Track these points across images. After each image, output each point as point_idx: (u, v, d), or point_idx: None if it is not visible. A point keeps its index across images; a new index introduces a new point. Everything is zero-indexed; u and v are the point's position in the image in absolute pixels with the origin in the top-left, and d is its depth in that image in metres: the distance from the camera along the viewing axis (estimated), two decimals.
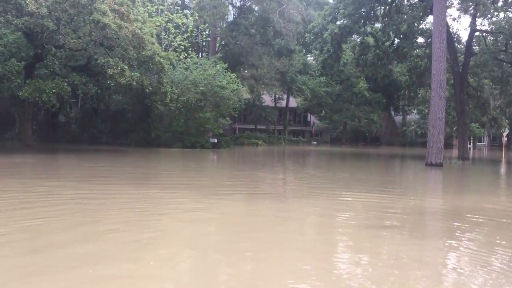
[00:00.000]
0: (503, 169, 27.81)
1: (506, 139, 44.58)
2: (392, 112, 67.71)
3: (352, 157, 34.47)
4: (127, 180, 15.20)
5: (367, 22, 33.94)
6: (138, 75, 26.07)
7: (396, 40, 35.42)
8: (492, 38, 32.49)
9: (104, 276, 5.22)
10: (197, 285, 5.02)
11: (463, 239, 7.82)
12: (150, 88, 28.55)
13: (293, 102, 63.48)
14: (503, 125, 34.00)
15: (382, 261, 6.31)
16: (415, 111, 59.34)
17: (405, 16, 32.92)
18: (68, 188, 12.44)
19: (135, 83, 25.94)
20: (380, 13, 33.97)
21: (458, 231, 8.44)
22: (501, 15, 30.57)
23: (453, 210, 11.09)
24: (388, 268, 5.94)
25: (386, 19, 33.13)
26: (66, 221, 8.14)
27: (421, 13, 32.14)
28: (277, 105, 61.52)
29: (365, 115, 60.38)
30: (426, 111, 38.49)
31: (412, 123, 60.44)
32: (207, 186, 14.10)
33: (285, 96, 62.13)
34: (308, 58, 59.12)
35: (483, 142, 70.81)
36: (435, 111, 23.79)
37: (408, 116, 66.69)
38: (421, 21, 33.99)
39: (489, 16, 31.20)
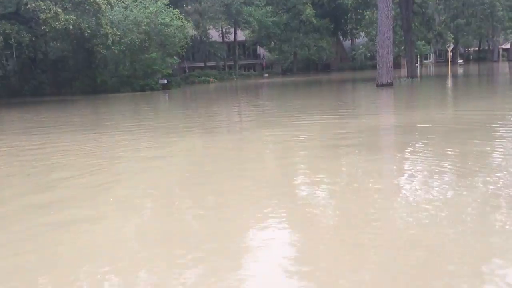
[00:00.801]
0: (449, 83, 28.68)
1: (451, 54, 45.59)
2: (341, 37, 67.62)
3: (304, 85, 34.50)
4: (77, 127, 14.59)
5: None
6: (74, 18, 24.48)
7: None
8: None
9: (63, 222, 4.97)
10: (161, 226, 4.86)
11: (417, 149, 8.00)
12: (89, 31, 27.01)
13: (241, 36, 62.05)
14: (448, 40, 34.65)
15: (341, 178, 6.35)
16: (363, 34, 59.50)
17: None
18: (15, 140, 11.80)
19: (71, 27, 24.43)
20: None
21: (411, 143, 8.63)
22: None
23: (406, 124, 11.33)
24: (348, 185, 5.99)
25: None
26: (16, 175, 7.72)
27: None
28: (225, 40, 59.98)
29: (314, 43, 59.97)
30: (374, 32, 38.52)
31: (361, 46, 60.67)
32: (162, 127, 13.73)
33: (232, 30, 60.54)
34: None
35: (429, 59, 72.43)
36: (383, 31, 23.80)
37: (356, 40, 66.80)
38: None
39: None
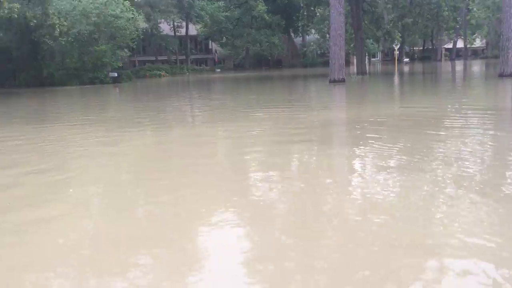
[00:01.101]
0: (397, 80, 29.67)
1: (397, 52, 47.09)
2: (292, 34, 68.33)
3: (257, 81, 34.66)
4: (26, 121, 13.99)
5: None
6: (19, 6, 23.38)
7: None
8: None
9: (19, 222, 4.77)
10: (112, 225, 4.70)
11: (367, 143, 8.23)
12: (35, 21, 25.90)
13: (193, 30, 61.47)
14: (397, 38, 35.80)
15: (294, 173, 6.45)
16: (313, 31, 60.43)
17: None
18: None
19: (16, 16, 23.29)
20: None
21: (363, 137, 8.88)
22: None
23: (357, 119, 11.62)
24: (301, 179, 6.06)
25: None
26: None
27: None
28: (177, 33, 59.17)
29: (266, 39, 60.28)
30: (326, 29, 39.20)
31: (312, 43, 61.56)
32: (114, 122, 13.37)
33: (184, 24, 59.84)
34: None
35: (377, 57, 74.51)
36: (335, 28, 24.28)
37: (307, 37, 67.72)
38: None
39: None
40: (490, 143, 7.87)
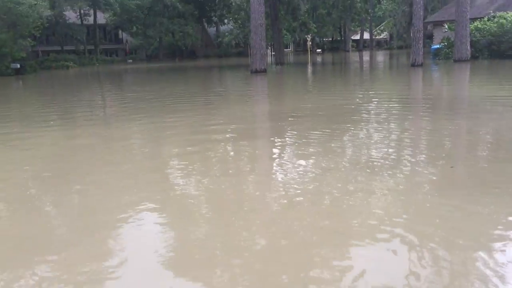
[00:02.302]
0: (314, 69, 30.34)
1: (310, 43, 48.29)
2: (205, 24, 67.44)
3: (172, 72, 33.54)
4: None
5: None
6: None
7: None
8: None
9: None
10: (20, 229, 4.15)
11: (288, 133, 8.15)
12: None
13: (102, 18, 58.37)
14: (312, 29, 36.51)
15: (215, 167, 6.11)
16: (226, 22, 60.01)
17: None
18: None
19: None
20: None
21: (285, 128, 8.74)
22: None
23: (280, 111, 11.50)
24: (222, 174, 5.72)
25: None
26: None
27: None
28: (84, 22, 55.84)
29: (179, 29, 58.93)
30: (241, 20, 39.04)
31: (226, 33, 61.21)
32: (18, 117, 12.07)
33: (92, 12, 56.61)
34: None
35: (289, 48, 75.94)
36: (256, 18, 24.09)
37: (222, 27, 67.25)
38: None
39: None
40: (406, 130, 8.13)
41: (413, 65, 24.23)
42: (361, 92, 15.13)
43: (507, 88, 13.92)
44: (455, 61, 25.86)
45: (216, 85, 21.61)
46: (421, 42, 24.14)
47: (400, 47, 64.46)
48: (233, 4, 38.61)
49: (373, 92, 14.97)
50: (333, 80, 22.22)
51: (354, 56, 49.32)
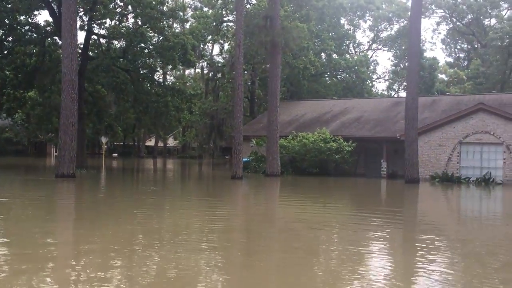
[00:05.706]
0: (128, 177, 27.71)
1: (106, 146, 45.49)
2: None
3: None
4: None
5: None
6: None
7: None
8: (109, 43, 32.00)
9: None
10: None
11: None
12: None
13: None
14: (118, 133, 34.11)
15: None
16: (4, 116, 52.90)
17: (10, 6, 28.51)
18: None
19: None
20: None
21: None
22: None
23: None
24: None
25: None
26: None
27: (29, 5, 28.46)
28: None
29: None
30: (24, 116, 34.20)
31: (6, 129, 53.50)
32: None
33: None
34: None
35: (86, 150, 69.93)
36: (67, 115, 20.90)
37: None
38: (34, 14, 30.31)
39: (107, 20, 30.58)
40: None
41: (233, 177, 23.86)
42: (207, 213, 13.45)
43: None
44: (267, 175, 26.58)
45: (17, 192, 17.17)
46: (241, 155, 24.21)
47: (193, 157, 65.27)
48: (27, 97, 33.88)
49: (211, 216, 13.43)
50: (172, 199, 19.93)
51: (157, 163, 47.26)
